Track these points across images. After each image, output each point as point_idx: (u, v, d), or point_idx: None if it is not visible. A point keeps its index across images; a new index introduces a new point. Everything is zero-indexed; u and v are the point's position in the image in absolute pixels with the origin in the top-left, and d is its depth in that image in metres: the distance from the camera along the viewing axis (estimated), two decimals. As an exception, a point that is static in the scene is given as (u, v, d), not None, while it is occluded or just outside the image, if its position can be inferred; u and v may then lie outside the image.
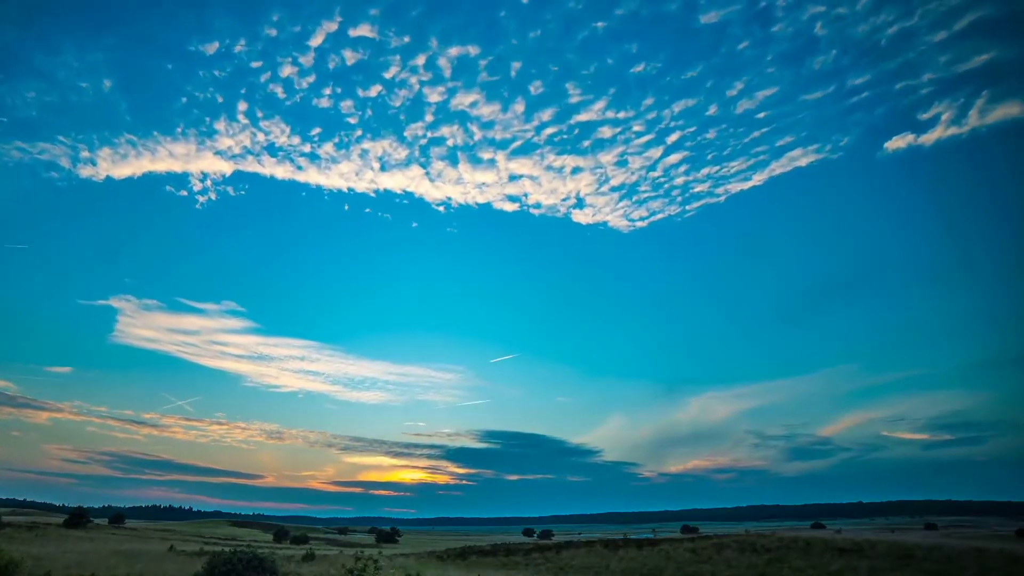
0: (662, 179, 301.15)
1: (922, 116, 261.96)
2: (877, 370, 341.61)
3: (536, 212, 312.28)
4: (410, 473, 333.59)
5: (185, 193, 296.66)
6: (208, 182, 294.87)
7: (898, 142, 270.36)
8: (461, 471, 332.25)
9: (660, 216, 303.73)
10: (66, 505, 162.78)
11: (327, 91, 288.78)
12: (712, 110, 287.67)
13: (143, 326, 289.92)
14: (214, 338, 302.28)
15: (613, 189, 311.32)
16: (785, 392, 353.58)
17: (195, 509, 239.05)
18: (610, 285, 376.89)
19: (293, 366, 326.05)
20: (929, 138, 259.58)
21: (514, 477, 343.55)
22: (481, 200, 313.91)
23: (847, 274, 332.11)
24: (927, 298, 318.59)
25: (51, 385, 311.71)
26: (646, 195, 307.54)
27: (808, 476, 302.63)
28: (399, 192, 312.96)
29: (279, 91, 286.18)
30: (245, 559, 16.83)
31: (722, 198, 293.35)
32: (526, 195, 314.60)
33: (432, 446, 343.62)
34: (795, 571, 24.46)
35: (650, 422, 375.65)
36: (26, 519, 57.42)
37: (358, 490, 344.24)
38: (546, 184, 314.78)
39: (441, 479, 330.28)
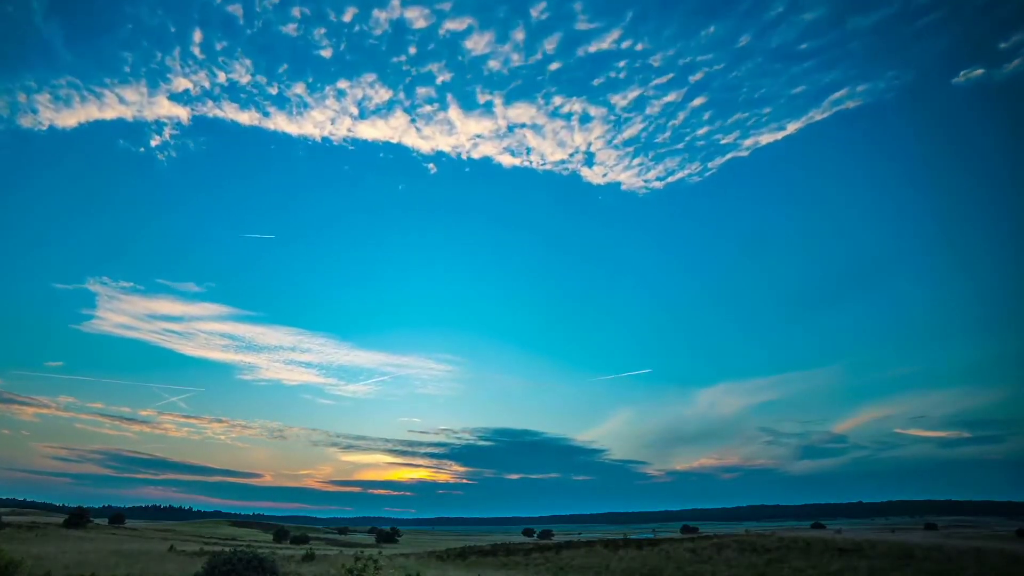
0: (684, 129, 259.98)
1: (1002, 45, 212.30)
2: (896, 363, 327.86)
3: (541, 168, 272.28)
4: (409, 472, 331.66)
5: (143, 150, 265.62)
6: (166, 133, 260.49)
7: (965, 77, 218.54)
8: (461, 470, 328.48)
9: (678, 175, 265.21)
10: (66, 505, 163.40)
11: (295, 12, 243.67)
12: (743, 40, 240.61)
13: (122, 312, 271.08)
14: (198, 326, 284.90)
15: (627, 142, 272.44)
16: (800, 385, 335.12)
17: (194, 509, 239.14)
18: (619, 269, 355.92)
19: (284, 356, 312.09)
20: (1005, 70, 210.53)
21: (515, 476, 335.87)
22: (476, 155, 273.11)
23: (870, 258, 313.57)
24: (951, 287, 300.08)
25: (37, 380, 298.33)
26: (664, 149, 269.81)
27: (816, 475, 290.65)
28: (381, 143, 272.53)
29: (239, 13, 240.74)
30: (245, 559, 16.84)
31: (747, 152, 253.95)
32: (528, 149, 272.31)
33: (432, 444, 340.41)
34: (795, 571, 24.46)
35: (658, 418, 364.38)
36: (26, 519, 57.42)
37: (356, 489, 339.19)
38: (551, 135, 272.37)
39: (441, 478, 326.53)
